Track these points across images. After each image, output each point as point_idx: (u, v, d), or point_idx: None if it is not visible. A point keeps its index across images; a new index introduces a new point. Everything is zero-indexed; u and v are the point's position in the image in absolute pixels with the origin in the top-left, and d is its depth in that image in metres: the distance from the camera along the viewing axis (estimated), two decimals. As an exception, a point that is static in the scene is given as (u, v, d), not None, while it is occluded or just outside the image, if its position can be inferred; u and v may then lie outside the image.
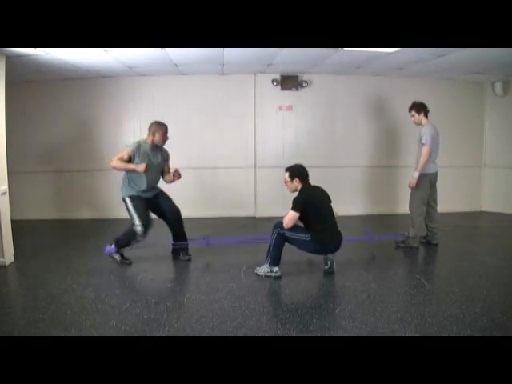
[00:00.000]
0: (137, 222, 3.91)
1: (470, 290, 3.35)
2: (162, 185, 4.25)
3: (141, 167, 3.81)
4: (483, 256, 4.40)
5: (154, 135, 3.96)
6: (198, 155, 6.23)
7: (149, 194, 4.04)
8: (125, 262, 4.07)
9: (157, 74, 5.93)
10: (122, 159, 3.86)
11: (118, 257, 4.07)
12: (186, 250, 4.27)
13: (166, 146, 4.14)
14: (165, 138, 4.02)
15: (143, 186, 3.95)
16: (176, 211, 4.16)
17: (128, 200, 3.95)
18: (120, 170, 3.94)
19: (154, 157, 3.99)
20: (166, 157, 4.17)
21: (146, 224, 3.93)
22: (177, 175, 4.12)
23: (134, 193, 3.96)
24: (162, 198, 4.14)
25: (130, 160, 3.88)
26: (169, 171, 4.21)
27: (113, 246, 4.04)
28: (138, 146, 3.92)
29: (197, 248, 4.34)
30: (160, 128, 3.99)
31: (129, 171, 3.92)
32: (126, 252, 4.10)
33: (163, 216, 4.17)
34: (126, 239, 4.01)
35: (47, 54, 4.13)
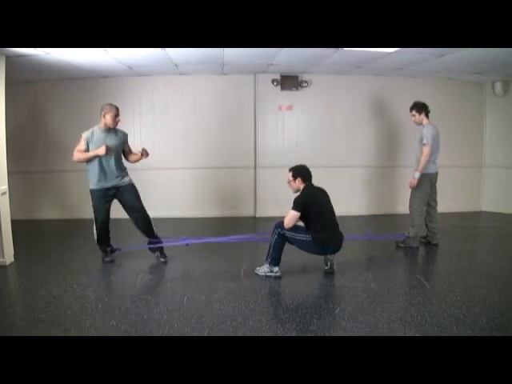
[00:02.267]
0: (94, 228, 3.99)
1: (469, 290, 3.35)
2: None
3: (101, 150, 3.77)
4: (483, 256, 4.40)
5: (104, 117, 3.89)
6: (197, 155, 6.23)
7: (110, 183, 3.92)
8: (107, 258, 4.10)
9: (157, 74, 5.93)
10: (80, 150, 3.84)
11: (103, 255, 4.13)
12: (161, 250, 4.17)
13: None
14: (116, 119, 3.92)
15: (100, 172, 3.87)
16: (137, 209, 4.01)
17: (91, 196, 3.94)
18: (83, 160, 3.88)
19: (109, 139, 3.90)
20: (123, 138, 4.07)
21: (101, 223, 3.94)
22: (145, 154, 4.03)
23: (93, 186, 3.91)
24: (126, 193, 3.99)
25: (88, 149, 3.85)
26: (131, 151, 4.15)
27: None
28: (92, 133, 3.87)
29: (197, 248, 4.33)
30: (111, 109, 3.90)
31: (89, 161, 3.86)
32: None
33: (126, 210, 4.07)
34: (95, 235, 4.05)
35: (47, 53, 4.12)
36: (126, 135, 4.12)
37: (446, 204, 5.46)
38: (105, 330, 2.70)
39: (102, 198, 3.92)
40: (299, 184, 3.69)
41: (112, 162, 3.93)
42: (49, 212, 6.23)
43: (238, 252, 4.47)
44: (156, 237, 4.14)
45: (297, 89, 6.16)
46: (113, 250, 4.19)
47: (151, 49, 4.16)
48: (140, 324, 2.80)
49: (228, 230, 5.43)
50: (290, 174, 3.73)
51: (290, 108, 6.28)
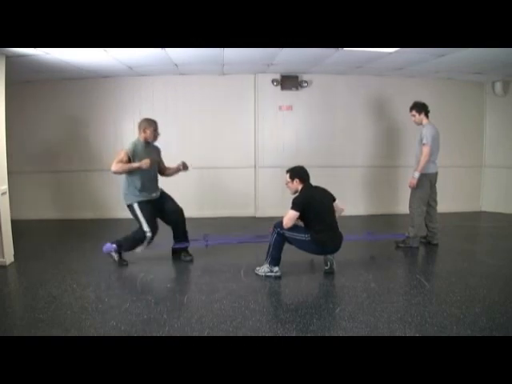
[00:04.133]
0: (146, 228, 3.91)
1: (469, 290, 3.35)
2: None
3: (145, 163, 3.79)
4: (483, 256, 4.40)
5: (144, 132, 3.95)
6: (197, 155, 6.21)
7: (155, 194, 4.04)
8: (122, 263, 4.06)
9: (157, 74, 5.93)
10: (121, 161, 3.83)
11: (116, 256, 4.05)
12: (186, 250, 4.26)
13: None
14: (156, 133, 4.01)
15: (148, 186, 3.93)
16: (179, 211, 4.16)
17: (136, 206, 3.92)
18: (123, 172, 3.87)
19: (149, 154, 3.95)
20: (159, 153, 4.16)
21: (154, 230, 3.95)
22: (185, 167, 4.13)
23: (142, 198, 3.93)
24: (165, 198, 4.14)
25: (129, 161, 3.85)
26: (165, 167, 4.22)
27: (114, 245, 4.03)
28: (135, 146, 3.91)
29: (196, 248, 4.34)
30: (150, 124, 3.97)
31: (130, 173, 3.88)
32: (127, 253, 4.10)
33: (166, 216, 4.14)
34: (130, 244, 4.01)
35: (47, 53, 4.12)
36: (160, 150, 4.21)
37: (446, 204, 5.46)
38: (105, 330, 2.70)
39: (152, 208, 3.97)
40: (297, 185, 3.70)
41: (153, 175, 4.03)
42: (49, 212, 6.22)
43: (238, 252, 4.47)
44: (186, 236, 4.23)
45: (297, 89, 6.16)
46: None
47: (151, 49, 4.16)
48: (140, 324, 2.80)
49: (228, 230, 5.44)
50: (288, 175, 3.74)
51: (289, 108, 6.28)
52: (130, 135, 5.97)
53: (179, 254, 4.24)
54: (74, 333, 2.66)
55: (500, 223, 5.96)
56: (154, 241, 4.01)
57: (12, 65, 4.18)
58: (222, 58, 4.88)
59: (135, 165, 3.82)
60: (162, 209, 4.11)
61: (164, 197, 4.15)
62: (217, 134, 6.25)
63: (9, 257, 4.07)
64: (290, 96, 6.22)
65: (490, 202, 6.65)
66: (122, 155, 3.85)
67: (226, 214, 6.25)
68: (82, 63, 4.82)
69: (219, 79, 6.13)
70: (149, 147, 4.00)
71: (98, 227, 5.72)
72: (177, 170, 4.20)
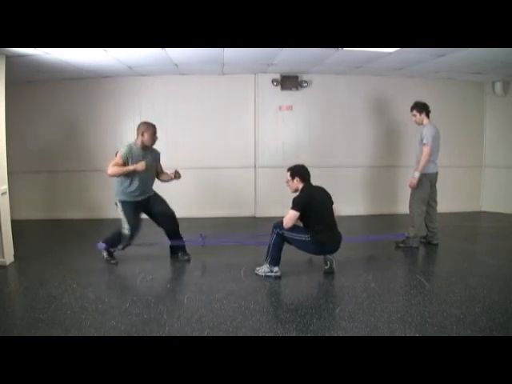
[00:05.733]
0: (125, 225, 3.95)
1: (469, 290, 3.35)
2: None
3: (140, 166, 3.80)
4: (483, 256, 4.40)
5: (143, 135, 3.94)
6: (197, 155, 6.23)
7: (142, 197, 4.02)
8: (110, 261, 4.09)
9: (157, 74, 5.93)
10: (117, 165, 3.84)
11: (105, 254, 4.10)
12: (183, 249, 4.25)
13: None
14: (154, 137, 3.99)
15: (136, 188, 3.93)
16: (170, 215, 4.13)
17: (119, 204, 3.97)
18: (120, 174, 3.87)
19: (146, 157, 3.94)
20: (157, 157, 4.16)
21: (134, 229, 3.97)
22: (177, 175, 4.12)
23: (126, 198, 3.95)
24: (156, 201, 4.11)
25: (124, 164, 3.85)
26: (162, 171, 4.22)
27: (104, 243, 4.09)
28: (130, 149, 3.90)
29: (196, 248, 4.34)
30: (148, 128, 3.96)
31: (126, 175, 3.88)
32: (123, 252, 4.10)
33: (157, 219, 4.15)
34: (114, 239, 4.06)
35: (47, 53, 4.12)
36: (159, 154, 4.19)
37: (446, 204, 5.46)
38: (105, 330, 2.70)
39: (135, 208, 3.99)
40: (297, 184, 3.69)
41: (148, 179, 4.03)
42: (49, 212, 6.22)
43: (238, 252, 4.47)
44: (181, 237, 4.22)
45: (297, 89, 6.16)
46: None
47: (151, 49, 4.16)
48: (140, 324, 2.80)
49: (228, 230, 5.43)
50: (288, 173, 3.73)
51: (290, 108, 6.28)
52: (129, 135, 5.98)
53: (177, 253, 4.24)
54: (73, 333, 2.66)
55: (500, 223, 5.96)
56: (133, 240, 4.05)
57: (12, 65, 4.18)
58: (222, 57, 4.88)
59: (130, 167, 3.83)
60: (152, 211, 4.11)
61: (155, 199, 4.12)
62: (217, 133, 6.25)
63: (9, 257, 4.07)
64: (290, 96, 6.22)
65: (489, 201, 6.65)
66: (118, 158, 3.86)
67: (225, 214, 6.25)
68: (82, 63, 4.82)
69: (219, 79, 6.13)
70: (146, 151, 3.99)
71: (98, 227, 5.70)
72: (170, 178, 4.18)
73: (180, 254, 4.23)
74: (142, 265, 4.06)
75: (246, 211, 6.38)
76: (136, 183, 3.92)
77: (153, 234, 4.36)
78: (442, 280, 3.67)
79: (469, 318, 2.82)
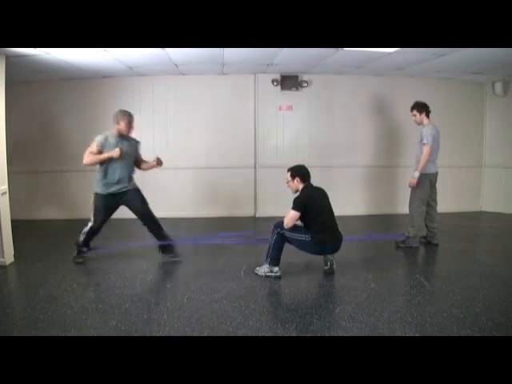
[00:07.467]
0: (91, 217, 3.96)
1: (469, 290, 3.35)
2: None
3: (115, 152, 3.75)
4: (483, 256, 4.40)
5: (118, 124, 3.87)
6: (197, 155, 6.24)
7: (116, 188, 3.90)
8: (76, 259, 4.09)
9: (157, 74, 5.93)
10: (92, 153, 3.79)
11: (75, 252, 4.11)
12: (171, 250, 4.14)
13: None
14: (130, 126, 3.91)
15: (111, 178, 3.86)
16: (144, 212, 4.02)
17: (93, 196, 3.95)
18: (95, 163, 3.82)
19: (122, 146, 3.86)
20: (136, 146, 4.07)
21: (95, 227, 3.96)
22: (159, 162, 4.05)
23: (99, 190, 3.89)
24: (134, 197, 4.00)
25: (100, 153, 3.80)
26: (143, 160, 4.14)
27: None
28: (105, 138, 3.85)
29: (197, 248, 4.33)
30: (124, 116, 3.88)
31: (101, 164, 3.83)
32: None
33: (138, 216, 4.08)
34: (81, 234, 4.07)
35: (47, 53, 4.13)
36: (138, 143, 4.12)
37: (445, 204, 5.46)
38: (105, 330, 2.70)
39: (106, 203, 3.92)
40: (298, 184, 3.69)
41: (124, 168, 3.93)
42: (49, 212, 6.22)
43: (238, 252, 4.47)
44: (166, 238, 4.12)
45: (297, 89, 6.16)
46: (89, 249, 4.18)
47: (151, 49, 4.16)
48: (140, 324, 2.80)
49: (228, 230, 5.43)
50: (289, 173, 3.73)
51: (290, 108, 6.28)
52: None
53: (165, 253, 4.13)
54: (73, 333, 2.66)
55: (500, 223, 5.96)
56: (91, 239, 4.06)
57: (12, 65, 4.18)
58: (222, 57, 4.88)
59: (105, 155, 3.78)
60: (130, 207, 4.03)
61: (134, 196, 4.00)
62: (216, 133, 6.25)
63: (9, 257, 4.07)
64: (290, 96, 6.22)
65: (489, 201, 6.65)
66: (93, 147, 3.81)
67: (225, 214, 6.25)
68: (81, 63, 4.82)
69: (219, 79, 6.13)
70: (123, 140, 3.91)
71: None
72: (152, 166, 4.11)
73: (168, 256, 4.13)
74: (141, 265, 4.05)
75: (246, 211, 6.38)
76: (111, 173, 3.85)
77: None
78: (442, 280, 3.67)
79: (469, 318, 2.81)
